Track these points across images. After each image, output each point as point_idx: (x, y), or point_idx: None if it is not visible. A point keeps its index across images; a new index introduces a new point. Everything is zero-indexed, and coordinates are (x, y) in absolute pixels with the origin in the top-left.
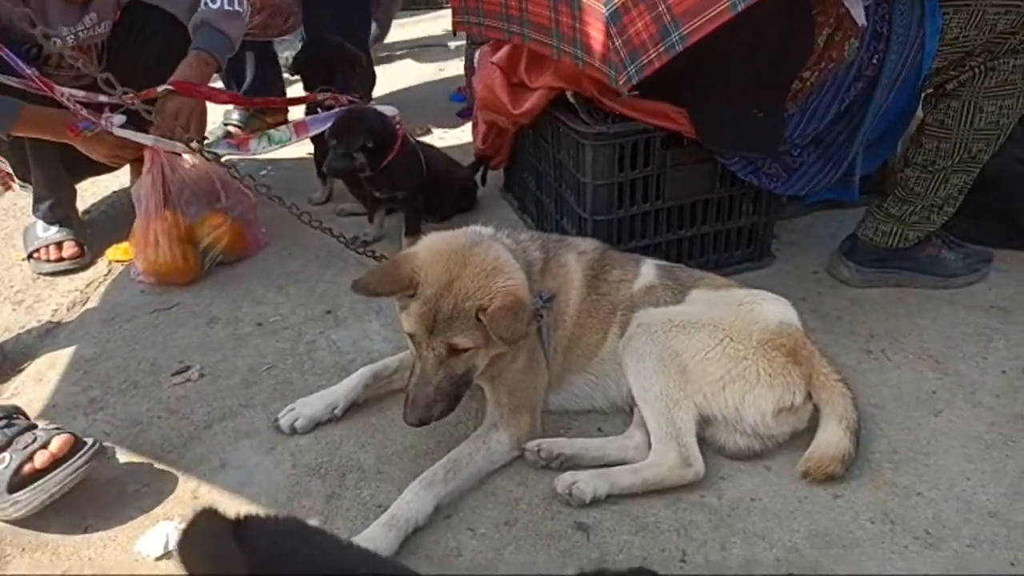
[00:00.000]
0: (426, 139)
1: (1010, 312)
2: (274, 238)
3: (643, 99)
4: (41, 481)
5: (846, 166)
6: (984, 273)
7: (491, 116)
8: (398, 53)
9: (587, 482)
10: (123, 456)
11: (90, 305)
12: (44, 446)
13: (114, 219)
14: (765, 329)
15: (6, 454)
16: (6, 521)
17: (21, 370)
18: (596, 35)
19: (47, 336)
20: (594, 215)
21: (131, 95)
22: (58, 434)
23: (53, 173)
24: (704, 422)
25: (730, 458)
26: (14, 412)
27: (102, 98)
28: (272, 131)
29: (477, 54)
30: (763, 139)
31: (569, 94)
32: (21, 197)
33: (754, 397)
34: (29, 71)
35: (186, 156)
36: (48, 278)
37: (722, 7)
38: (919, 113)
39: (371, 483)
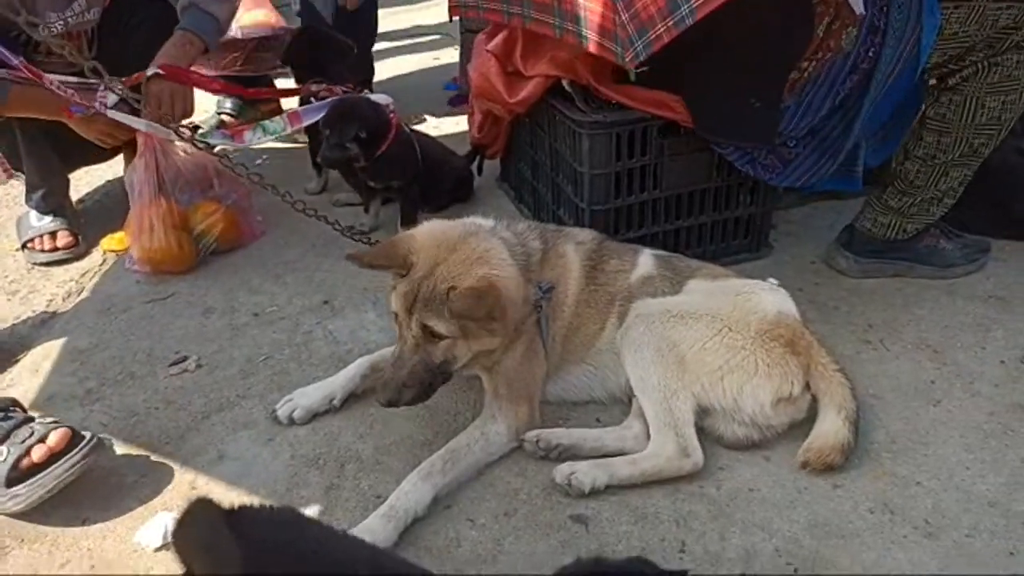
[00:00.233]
0: (421, 128)
1: (1008, 302)
2: (270, 227)
3: (640, 87)
4: (40, 476)
5: (842, 158)
6: (982, 263)
7: (487, 105)
8: (394, 42)
9: (586, 473)
10: (120, 447)
11: (85, 295)
12: (42, 440)
13: (109, 208)
14: (763, 319)
15: (4, 448)
16: (5, 515)
17: (16, 361)
18: (601, 10)
19: (42, 327)
20: (591, 205)
21: (119, 83)
22: (56, 428)
23: (45, 162)
24: (702, 412)
25: (728, 448)
26: (11, 405)
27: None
28: (266, 122)
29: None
30: (759, 129)
31: (565, 82)
32: (14, 187)
33: (752, 387)
34: (16, 60)
35: (178, 143)
36: (43, 268)
37: None
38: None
39: (370, 474)
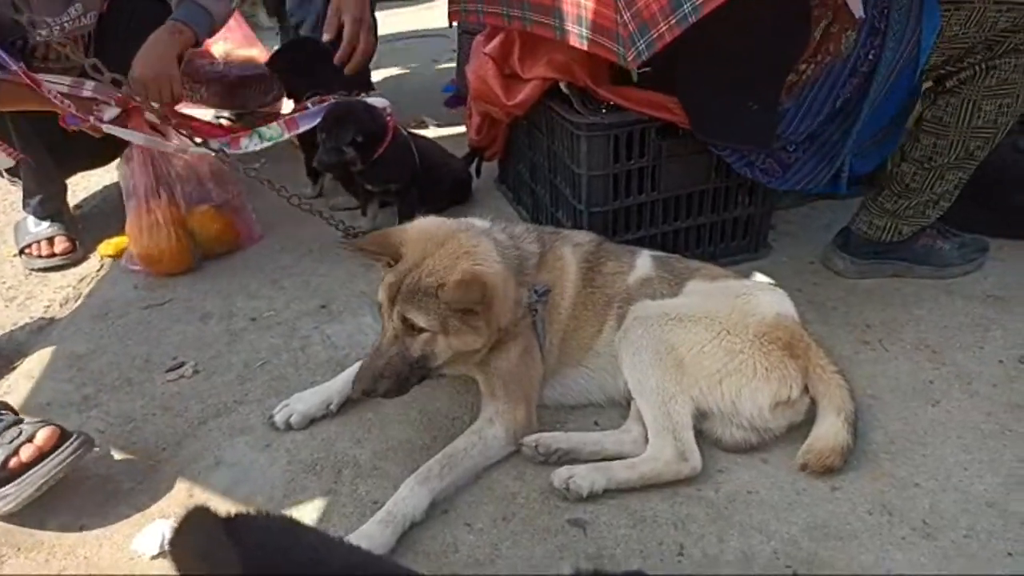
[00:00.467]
0: (420, 131)
1: (1007, 302)
2: (267, 231)
3: (637, 89)
4: (28, 474)
5: (840, 162)
6: (980, 263)
7: (485, 107)
8: (391, 44)
9: (584, 476)
10: (117, 454)
11: (83, 301)
12: (30, 439)
13: (106, 214)
14: (762, 322)
15: None
16: None
17: (14, 367)
18: (602, 9)
19: (40, 333)
20: (590, 207)
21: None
22: (43, 427)
23: (42, 168)
24: (701, 415)
25: (727, 451)
26: (0, 408)
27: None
28: (263, 128)
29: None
30: (757, 132)
31: (562, 84)
32: (11, 192)
33: (751, 391)
34: (16, 67)
35: (174, 143)
36: (40, 274)
37: None
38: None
39: (367, 479)
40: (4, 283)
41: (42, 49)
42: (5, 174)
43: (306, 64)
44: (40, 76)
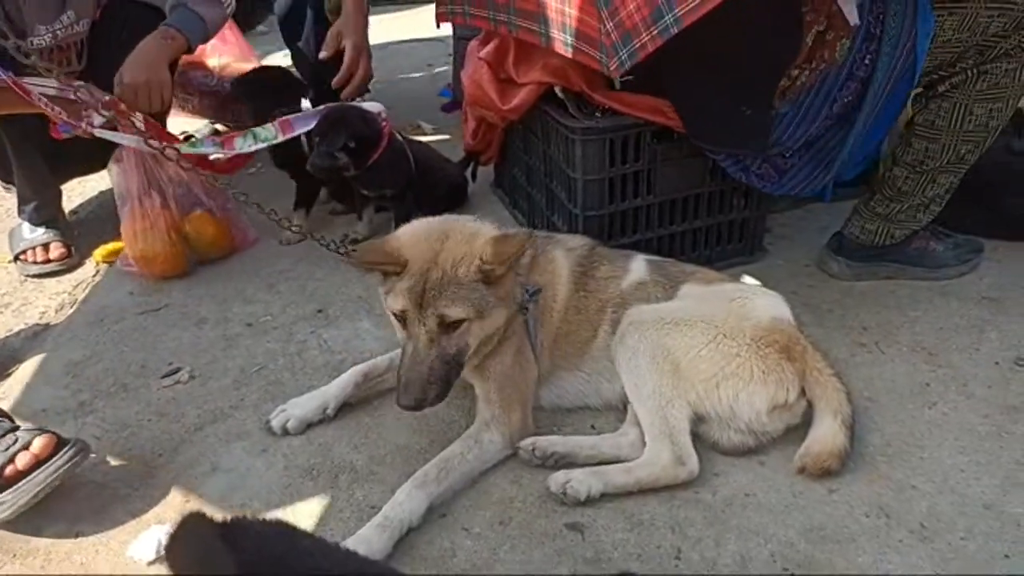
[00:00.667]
0: (415, 136)
1: (1002, 303)
2: (262, 235)
3: (632, 93)
4: (24, 482)
5: (837, 167)
6: (975, 264)
7: (480, 112)
8: (387, 49)
9: (581, 481)
10: (113, 460)
11: (78, 307)
12: (26, 447)
13: (102, 219)
14: (758, 325)
15: None
16: None
17: (9, 374)
18: (585, 18)
19: (35, 339)
20: (585, 210)
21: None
22: (39, 435)
23: (37, 174)
24: (698, 419)
25: (724, 454)
26: None
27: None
28: (257, 129)
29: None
30: (752, 137)
31: (557, 89)
32: (6, 199)
33: (748, 395)
34: (5, 75)
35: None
36: (35, 280)
37: None
38: (907, 111)
39: (364, 484)
40: None
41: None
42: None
43: (271, 95)
44: (27, 80)
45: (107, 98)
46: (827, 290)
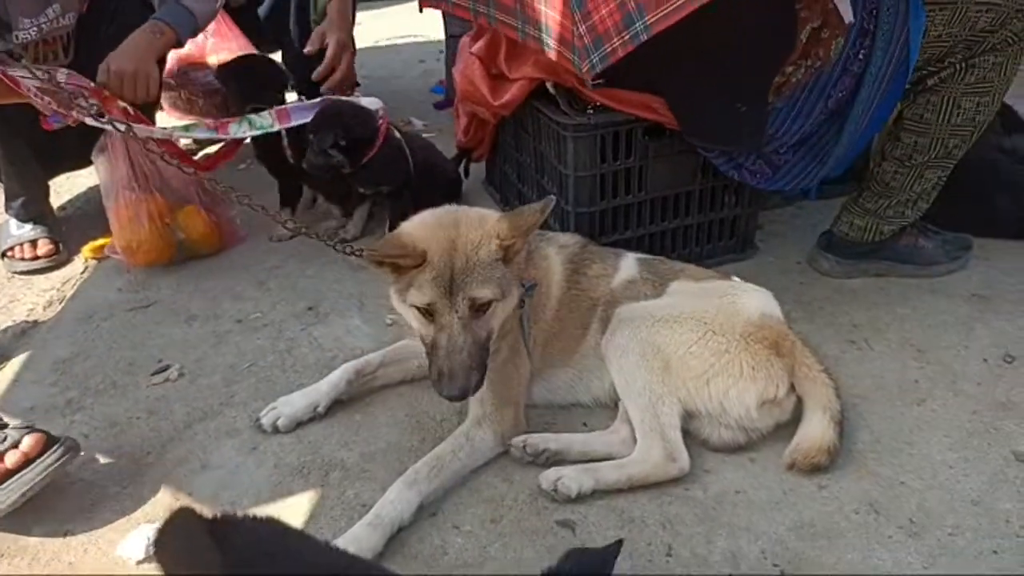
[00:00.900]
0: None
1: (991, 300)
2: (252, 231)
3: (624, 89)
4: (12, 480)
5: (831, 162)
6: (964, 260)
7: (472, 108)
8: (378, 45)
9: (572, 478)
10: (102, 458)
11: (66, 304)
12: (15, 445)
13: (90, 215)
14: (747, 322)
15: None
16: None
17: None
18: (560, 19)
19: (23, 336)
20: (576, 207)
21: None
22: (29, 433)
23: (25, 169)
24: (688, 416)
25: (714, 451)
26: None
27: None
28: (253, 116)
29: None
30: (745, 133)
31: (549, 85)
32: None
33: (738, 391)
34: None
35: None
36: (23, 277)
37: None
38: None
39: (355, 482)
40: None
41: (19, 49)
42: None
43: (254, 83)
44: (15, 72)
45: (91, 85)
46: (818, 287)
